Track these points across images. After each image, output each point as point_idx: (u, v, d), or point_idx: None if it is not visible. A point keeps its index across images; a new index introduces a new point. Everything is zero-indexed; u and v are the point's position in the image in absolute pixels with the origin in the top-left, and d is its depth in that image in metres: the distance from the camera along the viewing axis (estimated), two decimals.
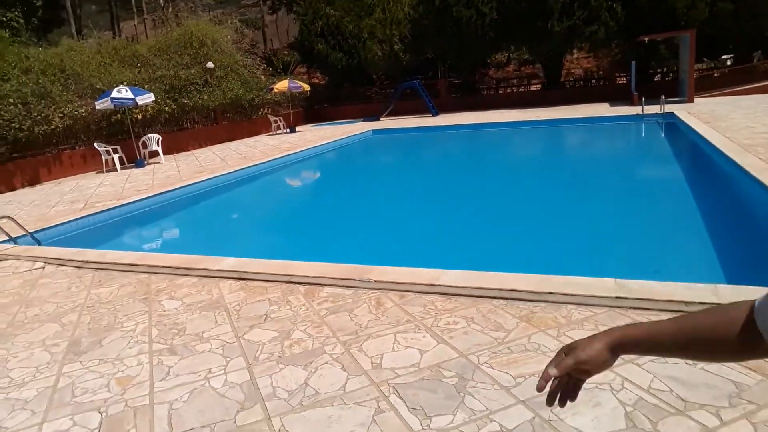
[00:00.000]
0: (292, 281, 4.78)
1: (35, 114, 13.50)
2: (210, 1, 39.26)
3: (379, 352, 3.40)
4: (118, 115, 15.63)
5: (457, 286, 4.21)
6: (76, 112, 14.72)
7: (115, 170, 14.51)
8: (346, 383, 3.08)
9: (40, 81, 14.35)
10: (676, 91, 19.24)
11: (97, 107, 14.06)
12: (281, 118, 22.18)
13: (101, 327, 4.27)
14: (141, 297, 4.87)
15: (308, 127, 24.00)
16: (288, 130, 21.68)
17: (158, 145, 15.33)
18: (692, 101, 17.56)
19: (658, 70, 22.76)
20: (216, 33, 20.98)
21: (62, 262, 6.13)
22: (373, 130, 19.35)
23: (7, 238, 7.26)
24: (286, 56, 33.38)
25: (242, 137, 21.29)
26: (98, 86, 15.83)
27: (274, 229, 8.88)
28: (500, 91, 25.66)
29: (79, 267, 5.97)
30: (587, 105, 20.33)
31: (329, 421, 2.75)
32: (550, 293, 3.94)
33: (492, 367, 3.10)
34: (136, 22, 34.13)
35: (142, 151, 15.20)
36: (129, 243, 8.45)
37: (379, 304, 4.16)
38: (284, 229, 8.74)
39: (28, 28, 22.95)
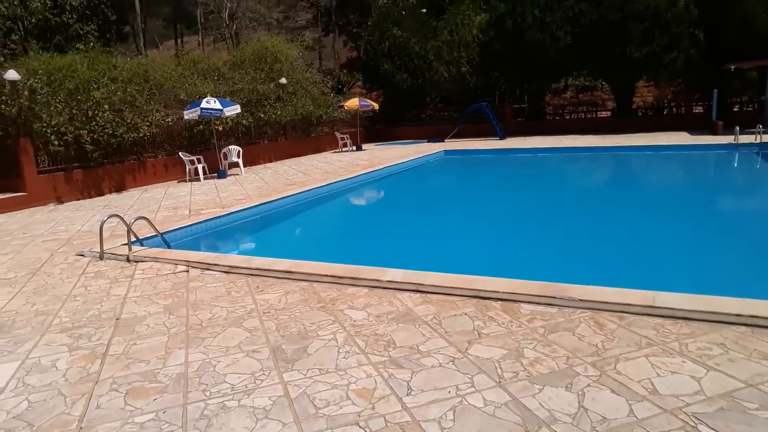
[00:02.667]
0: (480, 296, 4.52)
1: (128, 120, 13.76)
2: (272, 20, 40.22)
3: (643, 376, 3.11)
4: (201, 126, 15.84)
5: (682, 309, 3.89)
6: (162, 121, 14.96)
7: (198, 180, 14.62)
8: (631, 409, 2.79)
9: (127, 90, 14.63)
10: (759, 122, 18.55)
11: (186, 117, 14.25)
12: (348, 135, 22.24)
13: (294, 335, 4.08)
14: (317, 305, 4.67)
15: (371, 145, 23.96)
16: (355, 147, 21.69)
17: (238, 157, 15.45)
18: None
19: (735, 100, 22.11)
20: (288, 50, 21.28)
21: (207, 266, 6.02)
22: (444, 150, 19.13)
23: (135, 239, 7.22)
24: (343, 75, 33.78)
25: (308, 153, 21.38)
26: (182, 97, 16.09)
27: (387, 240, 8.67)
28: (566, 117, 25.26)
29: (227, 272, 5.84)
30: (664, 133, 19.78)
31: None
32: None
33: None
34: (201, 38, 35.15)
35: (223, 162, 15.31)
36: (254, 249, 8.39)
37: (598, 324, 3.86)
38: (399, 240, 8.52)
39: (103, 41, 23.65)
